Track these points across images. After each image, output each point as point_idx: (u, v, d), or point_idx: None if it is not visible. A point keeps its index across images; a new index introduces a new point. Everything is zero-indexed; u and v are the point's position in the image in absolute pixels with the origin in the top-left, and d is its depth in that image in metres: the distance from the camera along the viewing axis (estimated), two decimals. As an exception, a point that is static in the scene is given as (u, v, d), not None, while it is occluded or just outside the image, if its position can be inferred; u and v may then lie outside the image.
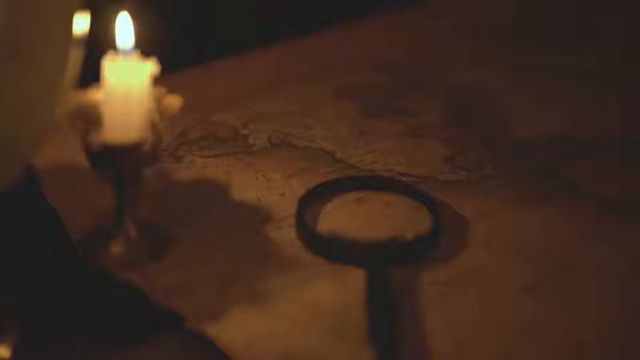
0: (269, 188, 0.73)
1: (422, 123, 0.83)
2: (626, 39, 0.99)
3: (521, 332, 0.60)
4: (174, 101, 0.64)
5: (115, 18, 0.64)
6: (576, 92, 0.89)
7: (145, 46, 0.63)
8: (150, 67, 0.62)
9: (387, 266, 0.64)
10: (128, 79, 0.61)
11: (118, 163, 0.63)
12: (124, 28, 0.63)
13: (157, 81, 0.63)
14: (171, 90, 0.65)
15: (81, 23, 0.54)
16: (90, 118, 0.62)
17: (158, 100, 0.64)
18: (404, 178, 0.75)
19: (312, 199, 0.71)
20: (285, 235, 0.68)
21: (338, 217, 0.70)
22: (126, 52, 0.63)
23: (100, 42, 0.62)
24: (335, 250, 0.66)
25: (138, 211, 0.66)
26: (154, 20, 0.65)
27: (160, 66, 0.62)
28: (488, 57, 0.95)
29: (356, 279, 0.63)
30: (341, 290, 0.63)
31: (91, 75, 0.62)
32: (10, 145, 0.53)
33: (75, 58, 0.54)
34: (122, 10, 0.63)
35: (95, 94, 0.63)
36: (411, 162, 0.77)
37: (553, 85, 0.90)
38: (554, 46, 0.97)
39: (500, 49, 0.97)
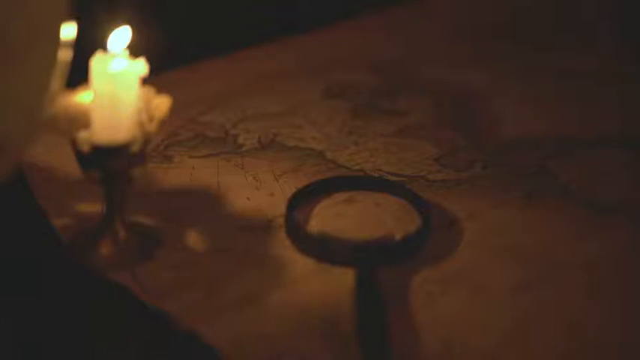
0: (258, 188, 0.73)
1: (412, 123, 0.83)
2: (626, 39, 0.99)
3: (510, 332, 0.60)
4: (163, 101, 0.64)
5: (104, 21, 0.64)
6: (575, 92, 0.89)
7: (133, 47, 0.63)
8: (139, 68, 0.62)
9: (376, 266, 0.64)
10: (117, 80, 0.61)
11: (106, 163, 0.63)
12: (121, 39, 0.63)
13: (146, 81, 0.63)
14: (161, 90, 0.65)
15: (69, 30, 0.54)
16: (78, 119, 0.62)
17: (147, 101, 0.63)
18: (393, 178, 0.75)
19: (301, 199, 0.71)
20: (275, 235, 0.68)
21: (327, 217, 0.70)
22: (114, 53, 0.63)
23: (89, 42, 0.62)
24: (324, 250, 0.66)
25: (127, 212, 0.66)
26: (142, 20, 0.65)
27: (149, 66, 0.62)
28: (487, 57, 0.95)
29: (345, 279, 0.63)
30: (330, 290, 0.63)
31: (79, 75, 0.62)
32: (-1, 145, 0.53)
33: (63, 59, 0.54)
34: (117, 17, 0.63)
35: (84, 95, 0.63)
36: (400, 162, 0.77)
37: (551, 85, 0.90)
38: (553, 46, 0.97)
39: (498, 49, 0.96)
